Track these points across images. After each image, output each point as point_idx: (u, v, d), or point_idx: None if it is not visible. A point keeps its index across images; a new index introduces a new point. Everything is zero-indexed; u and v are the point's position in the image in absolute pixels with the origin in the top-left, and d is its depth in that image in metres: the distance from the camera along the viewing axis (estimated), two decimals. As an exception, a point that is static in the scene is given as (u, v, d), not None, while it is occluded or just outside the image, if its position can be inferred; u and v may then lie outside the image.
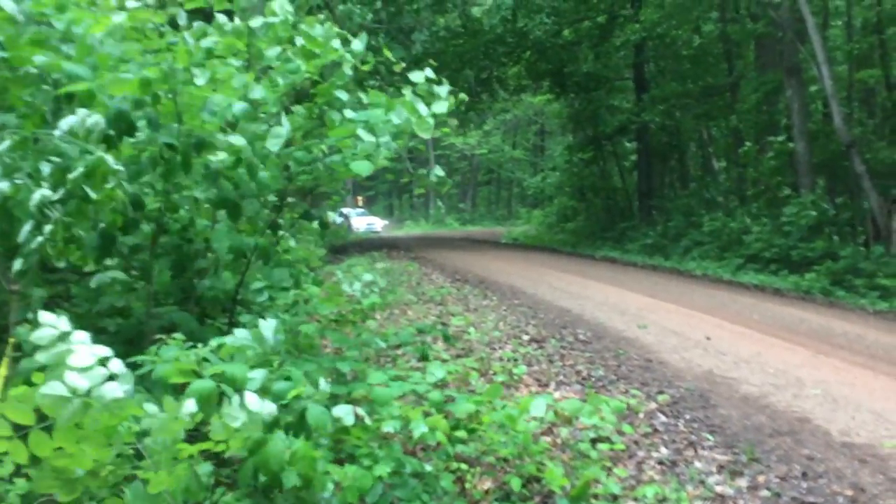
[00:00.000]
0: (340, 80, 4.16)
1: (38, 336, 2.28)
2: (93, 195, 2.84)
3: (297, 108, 4.39)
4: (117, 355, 3.57)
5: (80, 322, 3.63)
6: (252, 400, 2.49)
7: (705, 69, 22.77)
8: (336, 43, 4.15)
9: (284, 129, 3.74)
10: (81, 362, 2.23)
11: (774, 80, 17.72)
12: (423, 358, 4.63)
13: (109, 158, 2.85)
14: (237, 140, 3.50)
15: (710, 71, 22.69)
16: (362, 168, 3.96)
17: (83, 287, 3.97)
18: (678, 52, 23.73)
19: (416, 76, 4.23)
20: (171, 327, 3.94)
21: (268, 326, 2.93)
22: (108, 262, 3.82)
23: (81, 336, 2.32)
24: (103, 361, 2.29)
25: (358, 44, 4.28)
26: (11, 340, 3.19)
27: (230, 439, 2.47)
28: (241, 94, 3.68)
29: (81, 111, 2.88)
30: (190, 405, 2.44)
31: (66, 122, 2.85)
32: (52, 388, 2.15)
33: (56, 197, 2.78)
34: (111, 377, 2.28)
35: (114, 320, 3.96)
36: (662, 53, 24.07)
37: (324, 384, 2.79)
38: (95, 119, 2.86)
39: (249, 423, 2.47)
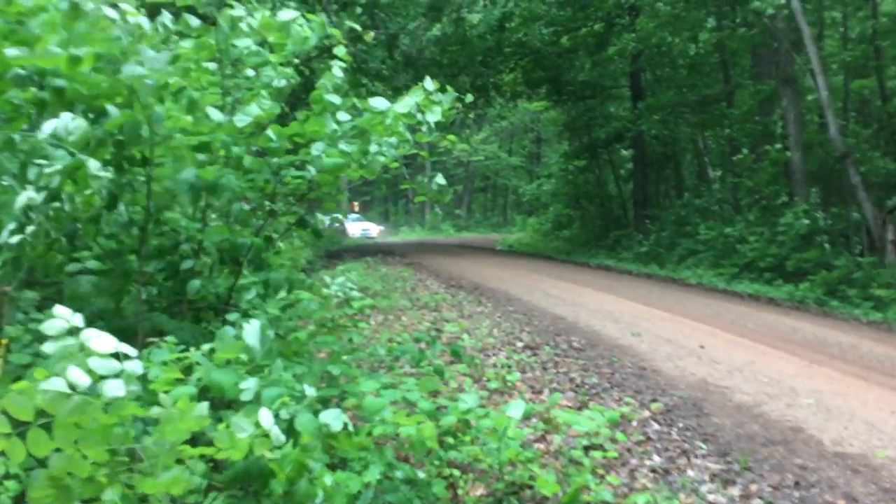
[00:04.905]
0: (330, 81, 4.13)
1: (49, 326, 2.13)
2: (67, 204, 2.80)
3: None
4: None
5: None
6: (265, 416, 2.38)
7: (701, 79, 22.81)
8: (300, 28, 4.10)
9: (254, 109, 3.70)
10: (103, 348, 2.09)
11: (768, 88, 17.76)
12: (439, 374, 4.59)
13: (94, 163, 2.81)
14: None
15: (706, 80, 22.74)
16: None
17: (75, 288, 3.94)
18: (675, 60, 23.79)
19: (413, 96, 4.15)
20: (164, 330, 3.92)
21: (252, 331, 2.74)
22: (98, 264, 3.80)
23: (94, 332, 2.17)
24: (117, 356, 2.14)
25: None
26: (4, 342, 3.18)
27: (233, 448, 2.40)
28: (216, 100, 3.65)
29: (65, 115, 2.83)
30: (202, 408, 2.35)
31: (49, 124, 2.79)
32: (53, 384, 2.03)
33: (40, 200, 2.74)
34: (119, 374, 2.13)
35: (106, 322, 3.94)
36: (659, 62, 24.12)
37: (309, 390, 2.72)
38: (77, 122, 2.81)
39: (256, 441, 2.39)
